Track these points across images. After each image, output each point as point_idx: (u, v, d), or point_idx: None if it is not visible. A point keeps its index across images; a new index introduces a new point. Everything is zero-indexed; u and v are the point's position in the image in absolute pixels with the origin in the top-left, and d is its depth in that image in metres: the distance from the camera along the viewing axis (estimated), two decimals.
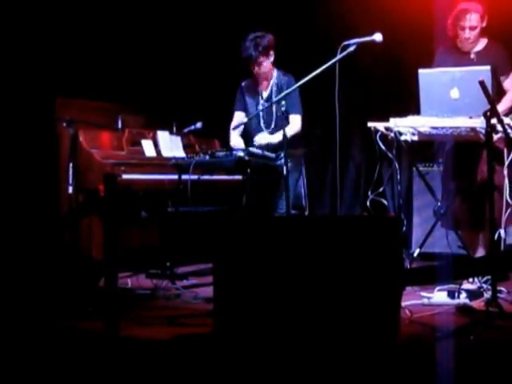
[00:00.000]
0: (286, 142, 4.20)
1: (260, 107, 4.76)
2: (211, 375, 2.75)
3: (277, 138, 4.62)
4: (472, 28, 4.34)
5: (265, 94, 4.80)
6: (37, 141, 5.16)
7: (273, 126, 4.73)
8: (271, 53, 4.68)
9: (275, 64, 4.79)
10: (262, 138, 4.66)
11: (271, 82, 4.78)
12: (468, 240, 4.48)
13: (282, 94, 4.26)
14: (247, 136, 4.86)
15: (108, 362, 2.92)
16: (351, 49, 3.98)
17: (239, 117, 4.84)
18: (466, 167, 4.34)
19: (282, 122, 4.40)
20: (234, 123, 4.86)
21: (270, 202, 4.67)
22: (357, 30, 5.23)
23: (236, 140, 4.81)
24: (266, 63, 4.68)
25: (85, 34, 5.53)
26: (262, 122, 4.75)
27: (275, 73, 4.78)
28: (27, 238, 4.76)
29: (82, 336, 3.30)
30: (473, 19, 4.32)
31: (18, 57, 5.15)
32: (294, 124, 4.68)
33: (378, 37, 4.00)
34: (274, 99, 4.42)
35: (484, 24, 4.37)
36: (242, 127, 4.79)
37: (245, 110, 4.85)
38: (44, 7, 5.29)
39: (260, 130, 4.77)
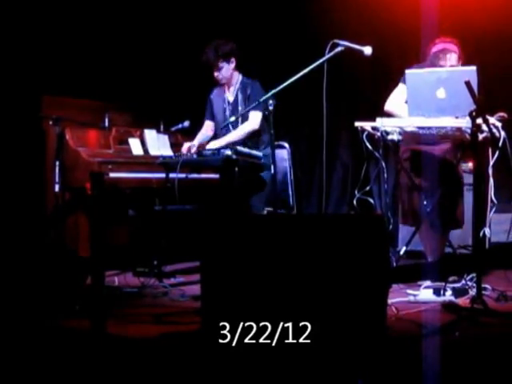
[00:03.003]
0: (273, 140, 4.22)
1: (227, 112, 4.83)
2: (199, 373, 2.75)
3: (224, 140, 4.67)
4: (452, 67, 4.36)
5: (231, 99, 4.88)
6: (23, 139, 5.14)
7: (237, 127, 4.78)
8: (232, 59, 4.77)
9: (254, 71, 4.91)
10: (212, 144, 4.69)
11: (235, 87, 4.85)
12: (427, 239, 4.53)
13: (272, 92, 4.23)
14: (218, 138, 4.89)
15: (95, 361, 2.92)
16: (339, 49, 3.99)
17: (207, 126, 4.98)
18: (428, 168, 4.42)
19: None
20: (202, 131, 4.98)
21: (248, 201, 4.69)
22: (345, 30, 5.27)
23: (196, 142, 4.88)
24: (226, 68, 4.76)
25: (72, 32, 5.52)
26: (231, 127, 4.78)
27: (240, 78, 4.86)
28: (13, 236, 4.74)
29: (69, 334, 3.29)
30: (453, 59, 4.37)
31: (4, 54, 5.13)
32: (252, 120, 4.74)
33: (367, 50, 4.00)
34: (246, 108, 4.48)
35: (460, 64, 4.40)
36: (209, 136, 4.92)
37: (212, 117, 4.95)
38: (30, 5, 5.28)
39: (229, 131, 4.79)
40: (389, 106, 4.53)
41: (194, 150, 4.70)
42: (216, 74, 4.78)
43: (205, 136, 4.97)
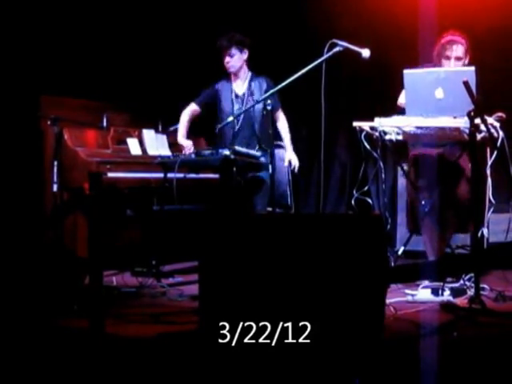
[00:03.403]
0: (269, 140, 4.25)
1: (236, 106, 4.82)
2: (197, 373, 2.75)
3: (290, 146, 4.83)
4: (457, 59, 4.38)
5: (240, 93, 4.86)
6: (21, 139, 5.13)
7: (242, 123, 4.80)
8: (245, 50, 4.79)
9: (257, 68, 4.90)
10: (294, 158, 4.77)
11: (247, 82, 4.86)
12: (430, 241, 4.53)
13: (271, 92, 4.29)
14: (222, 134, 4.89)
15: (93, 360, 2.92)
16: (337, 49, 3.99)
17: (192, 107, 4.95)
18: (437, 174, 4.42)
19: (261, 119, 4.64)
20: (186, 111, 4.95)
21: (253, 199, 4.70)
22: (343, 30, 5.27)
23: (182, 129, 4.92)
24: (238, 57, 4.77)
25: (70, 32, 5.52)
26: (236, 123, 4.79)
27: (249, 73, 4.87)
28: (11, 236, 4.74)
29: (67, 334, 3.29)
30: (459, 50, 4.37)
31: (3, 54, 5.13)
32: (284, 119, 4.88)
33: (365, 52, 4.01)
34: (261, 97, 4.45)
35: (467, 60, 4.41)
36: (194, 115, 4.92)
37: (202, 105, 4.93)
38: (28, 5, 5.28)
39: (233, 127, 4.80)
40: (403, 99, 4.50)
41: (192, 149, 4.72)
42: (227, 59, 4.77)
43: (189, 123, 4.94)
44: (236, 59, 4.77)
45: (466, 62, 4.42)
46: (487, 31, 5.24)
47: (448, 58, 4.38)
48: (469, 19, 5.17)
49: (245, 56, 4.80)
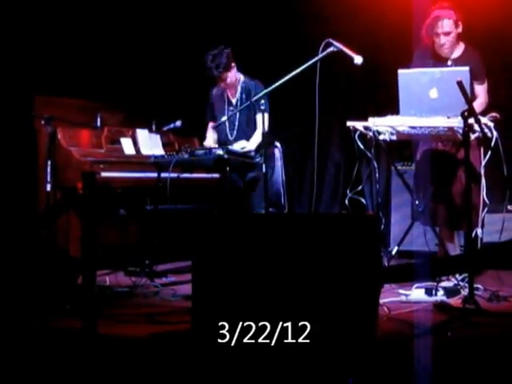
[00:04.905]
0: (264, 140, 4.25)
1: (229, 113, 4.86)
2: (189, 373, 2.74)
3: (254, 142, 4.73)
4: (446, 34, 4.38)
5: (233, 101, 4.93)
6: (15, 138, 5.13)
7: (236, 129, 4.86)
8: (232, 65, 4.84)
9: (248, 70, 4.94)
10: (240, 146, 4.72)
11: (238, 88, 4.91)
12: (445, 237, 4.52)
13: (259, 95, 4.29)
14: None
15: (86, 360, 2.91)
16: (331, 49, 3.99)
17: (210, 125, 5.01)
18: (443, 171, 4.40)
19: (249, 124, 4.72)
20: (209, 131, 5.03)
21: (247, 199, 4.70)
22: (338, 31, 5.25)
23: (210, 140, 4.97)
24: (231, 75, 4.83)
25: (64, 32, 5.51)
26: (227, 126, 4.85)
27: (242, 78, 4.92)
28: (4, 235, 4.72)
29: (60, 334, 3.29)
30: (445, 25, 4.37)
31: None
32: (266, 122, 4.77)
33: (358, 59, 4.02)
34: (252, 99, 4.46)
35: (459, 29, 4.41)
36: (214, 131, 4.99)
37: (214, 118, 4.98)
38: (22, 5, 5.27)
39: (226, 134, 4.88)
40: None
41: None
42: (222, 84, 4.85)
43: (215, 139, 5.00)
44: (230, 78, 4.82)
45: (460, 29, 4.41)
46: (481, 32, 5.24)
47: (437, 34, 4.39)
48: (468, 19, 5.17)
49: (234, 69, 4.85)
